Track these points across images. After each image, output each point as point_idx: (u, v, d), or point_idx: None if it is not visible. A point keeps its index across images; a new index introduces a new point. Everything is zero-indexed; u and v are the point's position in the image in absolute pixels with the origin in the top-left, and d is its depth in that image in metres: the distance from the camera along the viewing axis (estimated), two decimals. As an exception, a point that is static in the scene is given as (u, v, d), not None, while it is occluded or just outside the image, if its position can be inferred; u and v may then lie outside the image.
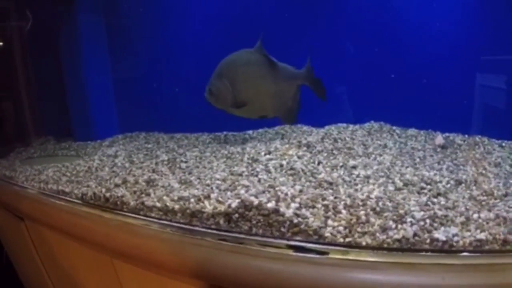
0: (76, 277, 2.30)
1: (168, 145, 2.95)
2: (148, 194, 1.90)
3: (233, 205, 1.60)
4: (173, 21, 3.45)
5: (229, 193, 1.70)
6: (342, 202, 1.56)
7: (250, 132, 3.15)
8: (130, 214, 1.88)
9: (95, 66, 3.48)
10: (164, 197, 1.81)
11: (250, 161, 2.08)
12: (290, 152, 2.16)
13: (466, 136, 2.76)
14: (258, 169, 1.93)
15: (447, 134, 2.79)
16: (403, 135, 2.76)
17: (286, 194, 1.61)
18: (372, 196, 1.61)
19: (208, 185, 1.83)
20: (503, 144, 2.64)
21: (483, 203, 1.66)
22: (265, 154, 2.13)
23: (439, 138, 2.61)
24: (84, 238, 1.99)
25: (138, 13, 3.57)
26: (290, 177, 1.85)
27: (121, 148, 2.92)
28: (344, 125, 2.88)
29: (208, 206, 1.65)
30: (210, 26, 3.29)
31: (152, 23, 3.50)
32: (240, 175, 1.89)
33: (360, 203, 1.56)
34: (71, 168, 2.60)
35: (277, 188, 1.66)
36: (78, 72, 3.45)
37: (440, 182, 1.82)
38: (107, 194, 1.99)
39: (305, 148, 2.27)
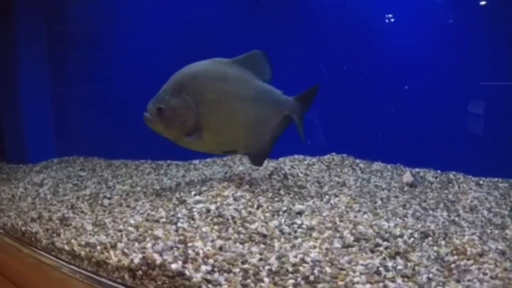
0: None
1: (102, 174, 2.62)
2: (59, 234, 1.65)
3: (136, 260, 1.31)
4: (116, 39, 3.12)
5: (136, 244, 1.41)
6: (267, 267, 1.22)
7: (197, 161, 2.81)
8: (43, 253, 1.68)
9: (33, 85, 3.17)
10: (73, 240, 1.56)
11: (177, 202, 1.75)
12: (226, 192, 1.80)
13: (439, 171, 2.46)
14: (179, 215, 1.59)
15: (417, 170, 2.48)
16: (367, 169, 2.45)
17: (198, 254, 1.30)
18: (308, 258, 1.26)
19: (120, 230, 1.54)
20: (481, 182, 2.33)
21: (452, 266, 1.30)
22: (195, 195, 1.79)
23: (407, 175, 2.29)
24: (2, 272, 1.77)
25: (81, 31, 3.24)
26: (215, 227, 1.51)
27: (51, 175, 2.62)
28: (301, 157, 2.56)
29: (113, 257, 1.38)
30: (160, 38, 2.95)
31: (94, 42, 3.17)
32: (157, 221, 1.57)
33: (290, 269, 1.21)
34: (-4, 194, 2.32)
35: (189, 244, 1.35)
36: (14, 90, 3.14)
37: (401, 236, 1.47)
38: (23, 229, 1.79)
39: (246, 187, 1.91)
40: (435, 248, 1.42)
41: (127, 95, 2.92)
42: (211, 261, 1.26)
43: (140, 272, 1.29)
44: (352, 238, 1.40)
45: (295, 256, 1.26)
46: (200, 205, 1.66)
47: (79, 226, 1.66)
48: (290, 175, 2.14)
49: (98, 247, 1.45)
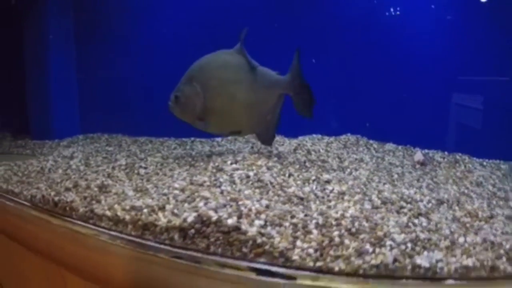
0: (26, 284, 2.09)
1: (130, 148, 2.74)
2: (99, 201, 1.69)
3: (189, 219, 1.39)
4: (143, 20, 3.25)
5: (186, 205, 1.50)
6: (314, 221, 1.37)
7: (219, 139, 2.96)
8: (78, 222, 1.68)
9: (59, 61, 3.26)
10: (115, 206, 1.60)
11: (214, 171, 1.88)
12: (259, 162, 1.97)
13: (446, 153, 2.67)
14: (221, 180, 1.73)
15: (426, 151, 2.68)
16: (380, 149, 2.64)
17: (250, 210, 1.42)
18: (347, 214, 1.42)
19: (164, 194, 1.62)
20: (484, 163, 2.53)
21: (468, 225, 1.52)
22: (231, 163, 1.94)
23: (418, 155, 2.50)
24: (29, 243, 1.85)
25: (108, 11, 3.34)
26: (257, 190, 1.65)
27: (79, 149, 2.70)
28: (319, 136, 2.74)
29: (162, 219, 1.45)
30: (184, 24, 3.10)
31: (121, 21, 3.29)
32: (201, 185, 1.68)
33: (334, 223, 1.37)
34: (23, 168, 2.38)
35: (240, 202, 1.47)
36: (40, 67, 3.23)
37: (421, 201, 1.67)
38: (56, 198, 1.79)
39: (275, 159, 2.10)
40: (451, 211, 1.62)
41: (152, 76, 3.06)
42: (263, 216, 1.39)
43: (192, 230, 1.37)
44: (379, 201, 1.54)
45: (336, 213, 1.39)
46: (239, 171, 1.80)
47: (120, 192, 1.72)
48: (312, 151, 2.30)
49: (145, 210, 1.50)
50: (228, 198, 1.51)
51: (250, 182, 1.72)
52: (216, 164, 1.96)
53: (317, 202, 1.53)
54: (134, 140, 3.04)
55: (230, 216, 1.38)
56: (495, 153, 2.58)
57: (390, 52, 2.75)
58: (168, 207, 1.50)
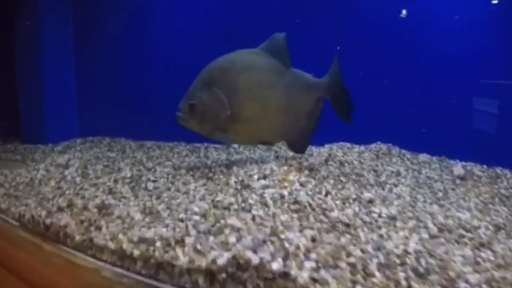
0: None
1: (135, 155, 2.40)
2: (99, 228, 1.37)
3: (220, 261, 1.07)
4: (150, 14, 2.91)
5: (212, 238, 1.18)
6: (374, 260, 1.09)
7: (236, 145, 2.62)
8: (75, 253, 1.38)
9: (55, 55, 2.89)
10: (120, 236, 1.28)
11: (239, 187, 1.59)
12: (291, 177, 1.67)
13: (485, 166, 2.38)
14: (251, 201, 1.43)
15: (463, 163, 2.40)
16: (414, 160, 2.36)
17: (298, 247, 1.10)
18: (410, 249, 1.17)
19: (181, 220, 1.31)
20: (528, 179, 2.21)
21: None
22: (258, 179, 1.65)
23: (458, 168, 2.22)
24: (21, 274, 1.52)
25: (111, 5, 3.00)
26: (295, 215, 1.36)
27: (76, 156, 2.36)
28: (348, 144, 2.45)
29: (181, 257, 1.13)
30: (195, 20, 2.77)
31: (125, 17, 2.95)
32: (227, 208, 1.38)
33: (397, 261, 1.10)
34: (10, 178, 2.05)
35: (282, 236, 1.15)
36: (34, 62, 2.85)
37: (478, 227, 1.43)
38: (48, 221, 1.49)
39: (307, 172, 1.82)
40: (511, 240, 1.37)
41: (159, 75, 2.73)
42: (313, 255, 1.09)
43: (223, 275, 1.06)
44: (435, 229, 1.34)
45: (396, 247, 1.16)
46: (270, 190, 1.51)
47: (125, 215, 1.41)
48: (345, 163, 2.01)
49: (158, 243, 1.18)
50: (267, 230, 1.19)
51: (286, 204, 1.43)
52: (240, 178, 1.68)
53: (366, 229, 1.31)
54: (140, 144, 2.71)
55: (274, 258, 1.07)
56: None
57: (426, 57, 2.49)
58: (188, 240, 1.18)
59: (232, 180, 1.67)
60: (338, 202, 1.50)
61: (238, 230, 1.20)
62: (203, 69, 1.86)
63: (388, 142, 2.53)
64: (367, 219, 1.37)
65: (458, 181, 2.10)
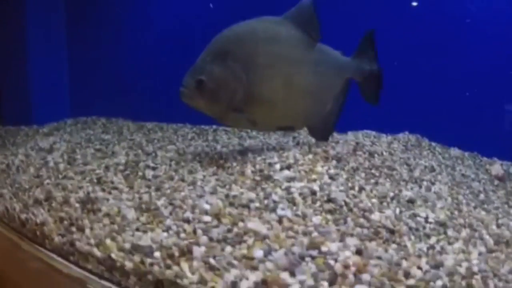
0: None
1: (133, 137, 2.11)
2: (81, 229, 1.09)
3: (244, 285, 0.79)
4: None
5: (229, 248, 0.91)
6: (439, 282, 0.86)
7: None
8: (55, 256, 1.12)
9: (43, 27, 2.54)
10: (108, 241, 1.01)
11: (258, 178, 1.32)
12: (318, 167, 1.40)
13: None
14: (275, 197, 1.15)
15: (499, 162, 2.14)
16: (446, 155, 2.10)
17: (346, 266, 0.83)
18: (474, 268, 0.94)
19: (187, 221, 1.04)
20: None
21: None
22: (281, 169, 1.37)
23: (497, 168, 2.00)
24: None
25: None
26: (329, 216, 1.11)
27: (64, 138, 2.07)
28: (374, 133, 2.16)
29: (188, 275, 0.85)
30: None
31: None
32: (246, 206, 1.10)
33: (463, 284, 0.88)
34: (-17, 164, 1.77)
35: (324, 249, 0.89)
36: (17, 33, 2.49)
37: None
38: (23, 216, 1.24)
39: (335, 163, 1.52)
40: None
41: (159, 48, 2.41)
42: (366, 277, 0.81)
43: None
44: (491, 241, 1.15)
45: (458, 264, 0.95)
46: (298, 184, 1.24)
47: (115, 213, 1.13)
48: (375, 154, 1.74)
49: (157, 254, 0.91)
50: (303, 240, 0.92)
51: (318, 203, 1.17)
52: (258, 167, 1.41)
53: (412, 237, 1.10)
54: (139, 126, 2.42)
55: (316, 281, 0.79)
56: None
57: (460, 47, 2.22)
58: (197, 251, 0.90)
59: (249, 169, 1.40)
60: (374, 200, 1.26)
61: (263, 238, 0.91)
62: (215, 37, 1.56)
63: (415, 133, 2.24)
64: (412, 224, 1.16)
65: (496, 182, 1.90)
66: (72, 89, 2.57)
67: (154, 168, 1.49)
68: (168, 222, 1.04)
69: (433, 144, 2.20)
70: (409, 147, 2.07)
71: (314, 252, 0.87)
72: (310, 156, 1.51)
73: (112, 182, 1.35)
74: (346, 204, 1.17)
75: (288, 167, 1.36)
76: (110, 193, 1.27)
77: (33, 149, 1.86)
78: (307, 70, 1.59)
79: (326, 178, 1.33)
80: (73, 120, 2.52)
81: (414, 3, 2.31)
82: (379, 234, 1.06)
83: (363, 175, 1.49)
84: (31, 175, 1.51)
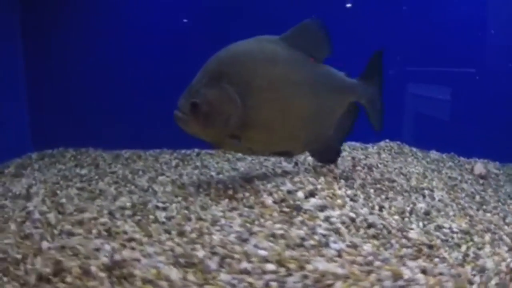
0: None
1: (114, 170, 1.97)
2: None
3: None
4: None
5: None
6: (493, 282, 0.96)
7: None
8: None
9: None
10: None
11: (286, 209, 1.30)
12: (337, 190, 1.42)
13: (498, 163, 2.32)
14: (321, 231, 1.15)
15: (479, 160, 2.31)
16: (427, 159, 2.23)
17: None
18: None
19: (248, 273, 0.96)
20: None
21: None
22: (306, 197, 1.35)
23: (479, 167, 2.12)
24: None
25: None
26: (375, 241, 1.15)
27: (37, 178, 1.87)
28: (358, 144, 2.26)
29: None
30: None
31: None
32: (301, 245, 1.07)
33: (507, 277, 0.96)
34: None
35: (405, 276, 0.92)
36: None
37: None
38: None
39: (343, 182, 1.57)
40: None
41: (127, 70, 2.28)
42: None
43: None
44: (509, 240, 1.27)
45: (499, 265, 1.03)
46: (334, 213, 1.25)
47: (155, 276, 0.96)
48: (372, 167, 1.84)
49: None
50: (385, 273, 0.94)
51: (362, 230, 1.20)
52: (276, 196, 1.39)
53: (447, 248, 1.17)
54: (115, 155, 2.25)
55: None
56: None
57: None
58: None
59: (268, 199, 1.38)
60: (397, 217, 1.34)
61: (345, 278, 0.91)
62: (210, 58, 1.48)
63: (394, 139, 2.34)
64: (442, 236, 1.25)
65: (481, 181, 2.00)
66: (33, 119, 2.35)
67: (164, 209, 1.39)
68: (225, 277, 0.94)
69: (413, 149, 2.29)
70: (394, 155, 2.16)
71: (402, 282, 0.91)
72: (322, 178, 1.53)
73: (126, 233, 1.20)
74: (384, 227, 1.21)
75: (312, 194, 1.36)
76: (133, 249, 1.10)
77: (6, 197, 1.61)
78: (306, 93, 1.53)
79: (349, 201, 1.37)
80: (39, 154, 2.27)
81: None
82: (421, 250, 1.11)
83: (372, 191, 1.56)
84: (17, 236, 1.20)
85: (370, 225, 1.18)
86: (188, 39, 2.20)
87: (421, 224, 1.33)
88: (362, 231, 1.16)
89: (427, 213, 1.42)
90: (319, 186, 1.43)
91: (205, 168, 1.92)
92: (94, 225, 1.26)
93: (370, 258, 1.01)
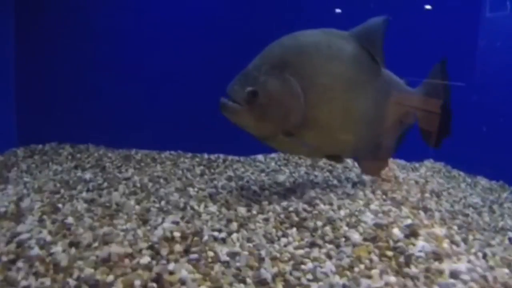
0: None
1: (126, 175, 1.63)
2: None
3: None
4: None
5: None
6: None
7: (260, 156, 1.98)
8: None
9: None
10: None
11: (390, 253, 1.06)
12: (436, 229, 1.20)
13: None
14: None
15: None
16: (479, 187, 1.93)
17: None
18: None
19: None
20: None
21: None
22: (407, 236, 1.12)
23: None
24: None
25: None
26: None
27: (27, 183, 1.49)
28: (402, 162, 2.03)
29: None
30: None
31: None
32: None
33: None
34: None
35: None
36: None
37: None
38: None
39: (423, 214, 1.33)
40: None
41: (141, 56, 1.94)
42: None
43: None
44: None
45: None
46: (454, 265, 1.01)
47: None
48: (439, 194, 1.59)
49: None
50: None
51: None
52: (365, 230, 1.15)
53: None
54: (124, 156, 1.87)
55: None
56: None
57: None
58: None
59: (353, 233, 1.13)
60: (506, 271, 1.06)
61: None
62: (272, 44, 1.35)
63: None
64: None
65: None
66: (19, 108, 1.94)
67: (223, 240, 1.11)
68: None
69: (461, 173, 2.06)
70: (446, 179, 1.92)
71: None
72: (404, 208, 1.29)
73: (184, 283, 0.91)
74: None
75: (414, 234, 1.11)
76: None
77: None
78: (368, 96, 1.40)
79: (453, 246, 1.12)
80: (26, 150, 1.86)
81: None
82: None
83: (455, 228, 1.31)
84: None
85: (505, 286, 0.96)
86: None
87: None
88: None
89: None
90: (409, 221, 1.18)
91: (240, 179, 1.62)
92: (132, 268, 0.95)
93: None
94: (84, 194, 1.40)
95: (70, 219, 1.20)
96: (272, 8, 1.98)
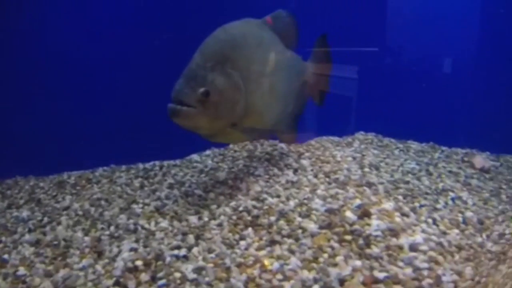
0: None
1: (65, 204, 1.53)
2: None
3: None
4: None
5: None
6: None
7: (195, 156, 1.96)
8: None
9: None
10: None
11: (349, 237, 1.11)
12: (385, 204, 1.24)
13: (488, 153, 2.13)
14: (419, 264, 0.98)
15: (478, 153, 2.11)
16: (411, 151, 2.02)
17: None
18: None
19: None
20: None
21: None
22: (360, 216, 1.17)
23: (480, 161, 1.89)
24: None
25: None
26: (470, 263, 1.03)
27: None
28: (335, 138, 2.08)
29: None
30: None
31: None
32: None
33: None
34: None
35: None
36: None
37: None
38: None
39: (367, 189, 1.38)
40: None
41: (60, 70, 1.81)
42: None
43: None
44: None
45: None
46: (413, 238, 1.07)
47: None
48: (372, 167, 1.62)
49: None
50: None
51: (456, 255, 1.05)
52: (318, 217, 1.19)
53: None
54: (56, 182, 1.72)
55: None
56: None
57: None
58: None
59: (308, 223, 1.18)
60: (456, 231, 1.18)
61: None
62: (206, 40, 1.35)
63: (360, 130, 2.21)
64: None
65: (487, 175, 1.81)
66: None
67: (186, 257, 1.11)
68: None
69: (392, 140, 2.13)
70: (379, 148, 1.99)
71: None
72: (352, 189, 1.35)
73: None
74: (471, 247, 1.09)
75: (367, 214, 1.17)
76: None
77: None
78: (284, 75, 1.52)
79: (404, 218, 1.19)
80: None
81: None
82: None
83: (404, 200, 1.35)
84: None
85: (459, 247, 1.05)
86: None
87: (484, 235, 1.19)
88: (457, 256, 1.01)
89: (481, 222, 1.27)
90: (358, 201, 1.24)
91: (182, 185, 1.59)
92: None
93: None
94: (27, 237, 1.30)
95: (21, 270, 1.12)
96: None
